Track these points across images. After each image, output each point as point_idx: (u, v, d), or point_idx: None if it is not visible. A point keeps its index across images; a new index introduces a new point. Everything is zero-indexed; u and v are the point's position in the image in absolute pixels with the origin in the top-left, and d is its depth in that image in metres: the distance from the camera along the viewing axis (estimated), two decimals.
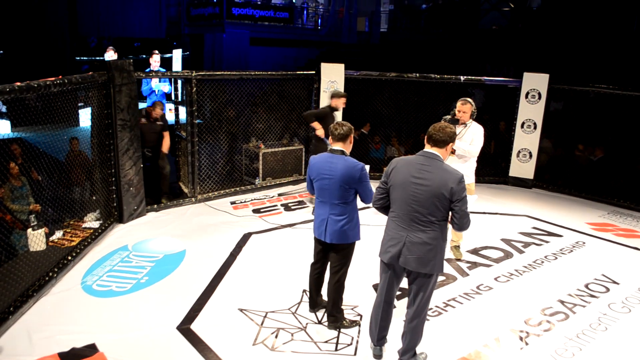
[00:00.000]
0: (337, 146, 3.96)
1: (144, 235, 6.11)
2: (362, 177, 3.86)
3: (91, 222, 6.20)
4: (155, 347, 3.97)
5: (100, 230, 6.01)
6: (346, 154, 3.95)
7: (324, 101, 8.40)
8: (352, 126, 4.05)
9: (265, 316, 4.45)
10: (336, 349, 4.04)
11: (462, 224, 3.40)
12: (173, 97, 9.34)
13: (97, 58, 14.52)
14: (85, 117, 8.22)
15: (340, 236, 4.01)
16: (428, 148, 3.51)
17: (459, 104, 5.49)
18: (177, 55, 12.25)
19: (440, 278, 5.30)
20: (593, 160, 8.76)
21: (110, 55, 9.99)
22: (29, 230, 5.36)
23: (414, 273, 3.55)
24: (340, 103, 7.11)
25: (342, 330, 4.27)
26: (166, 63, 13.00)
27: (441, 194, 3.34)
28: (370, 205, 3.84)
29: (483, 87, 11.59)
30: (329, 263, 4.26)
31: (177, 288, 4.90)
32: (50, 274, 4.85)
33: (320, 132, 6.90)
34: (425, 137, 3.55)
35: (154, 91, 9.77)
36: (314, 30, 22.79)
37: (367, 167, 3.99)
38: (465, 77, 8.79)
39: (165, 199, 7.17)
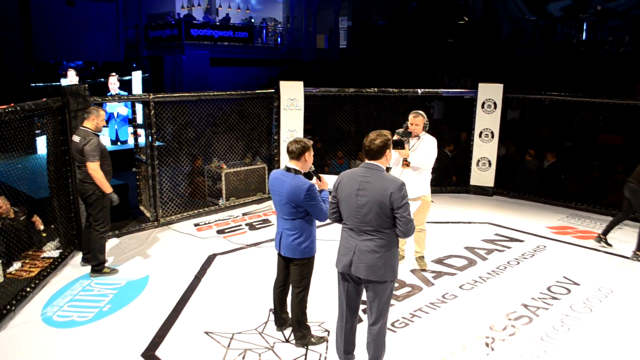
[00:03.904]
0: (292, 164, 3.97)
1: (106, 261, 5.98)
2: (308, 197, 3.83)
3: (50, 251, 6.03)
4: None
5: (60, 259, 5.86)
6: (300, 172, 3.95)
7: (285, 119, 8.42)
8: (309, 142, 4.03)
9: (231, 338, 4.40)
10: None
11: (406, 230, 3.44)
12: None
13: (54, 84, 14.29)
14: (43, 144, 8.04)
15: (292, 251, 4.03)
16: (367, 160, 3.58)
17: (411, 116, 5.56)
18: (136, 77, 12.12)
19: (406, 289, 5.35)
20: (544, 166, 8.99)
21: (72, 76, 9.84)
22: None
23: (366, 281, 3.58)
24: None
25: (309, 347, 4.25)
26: (125, 86, 12.85)
27: (382, 203, 3.40)
28: (329, 220, 3.85)
29: (442, 99, 11.87)
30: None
31: (140, 314, 4.81)
32: (8, 307, 4.70)
33: None
34: (363, 150, 3.61)
35: (112, 114, 9.63)
36: (274, 48, 22.92)
37: (333, 178, 3.93)
38: (422, 90, 8.94)
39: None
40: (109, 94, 9.38)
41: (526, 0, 17.95)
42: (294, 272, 4.14)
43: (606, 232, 6.70)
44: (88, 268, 5.70)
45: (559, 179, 8.93)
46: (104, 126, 6.55)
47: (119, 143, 9.97)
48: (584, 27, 15.89)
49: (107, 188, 5.47)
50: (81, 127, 5.51)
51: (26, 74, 16.30)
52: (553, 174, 8.90)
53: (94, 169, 5.33)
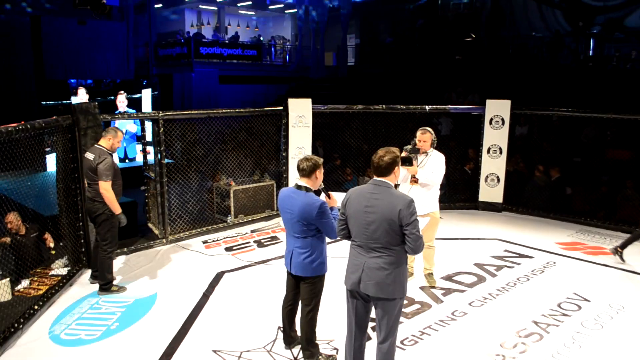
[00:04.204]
0: (302, 182, 3.97)
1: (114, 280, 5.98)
2: (320, 215, 3.83)
3: (59, 269, 6.06)
4: None
5: (68, 277, 5.87)
6: (311, 190, 3.95)
7: (293, 136, 8.45)
8: (319, 160, 4.03)
9: (239, 356, 4.37)
10: None
11: (415, 247, 3.42)
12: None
13: (64, 102, 14.49)
14: (52, 162, 8.14)
15: (303, 269, 4.01)
16: (376, 177, 3.58)
17: (419, 133, 5.57)
18: (146, 95, 12.24)
19: (416, 306, 5.31)
20: (550, 181, 8.95)
21: (82, 93, 10.00)
22: None
23: (375, 298, 3.55)
24: None
25: None
26: (135, 103, 12.95)
27: (391, 219, 3.39)
28: (339, 238, 3.84)
29: (449, 115, 11.88)
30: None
31: (148, 333, 4.79)
32: (16, 324, 4.70)
33: None
34: (371, 167, 3.61)
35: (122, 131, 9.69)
36: (282, 66, 23.09)
37: (342, 196, 3.92)
38: (430, 106, 8.95)
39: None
40: (117, 112, 9.49)
41: (565, 15, 18.10)
42: (304, 290, 4.12)
43: (624, 246, 6.63)
44: (96, 286, 5.69)
45: (565, 194, 8.88)
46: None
47: (127, 160, 10.05)
48: (591, 44, 15.98)
49: (116, 208, 5.48)
50: (96, 145, 5.54)
51: (37, 92, 16.50)
52: (558, 189, 8.85)
53: (106, 188, 5.35)
